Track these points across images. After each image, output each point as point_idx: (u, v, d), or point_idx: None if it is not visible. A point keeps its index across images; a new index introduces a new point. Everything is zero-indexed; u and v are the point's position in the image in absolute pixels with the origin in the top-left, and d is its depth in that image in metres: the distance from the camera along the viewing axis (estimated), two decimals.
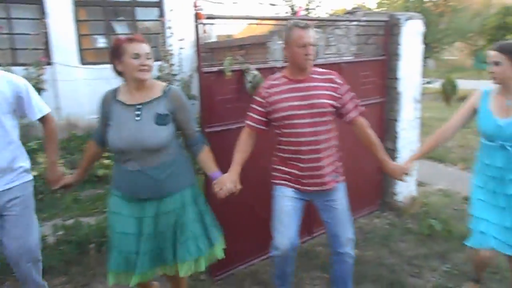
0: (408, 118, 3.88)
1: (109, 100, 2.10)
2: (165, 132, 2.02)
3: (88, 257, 3.15)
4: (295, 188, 2.33)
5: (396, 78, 3.75)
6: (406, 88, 3.79)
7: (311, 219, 3.36)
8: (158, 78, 6.44)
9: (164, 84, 2.15)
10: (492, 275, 2.89)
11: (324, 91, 2.25)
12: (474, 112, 2.37)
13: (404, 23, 3.64)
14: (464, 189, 3.83)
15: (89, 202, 4.17)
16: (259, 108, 2.32)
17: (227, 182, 2.15)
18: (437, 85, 11.58)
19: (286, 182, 2.34)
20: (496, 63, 2.16)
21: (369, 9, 12.39)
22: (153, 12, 7.13)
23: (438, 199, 4.31)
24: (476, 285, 2.70)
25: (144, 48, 2.01)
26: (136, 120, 2.00)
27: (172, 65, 5.85)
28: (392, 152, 3.87)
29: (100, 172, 4.69)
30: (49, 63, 6.24)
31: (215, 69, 2.74)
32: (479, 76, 19.72)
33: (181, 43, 6.09)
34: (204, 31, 2.66)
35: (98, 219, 3.55)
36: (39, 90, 6.16)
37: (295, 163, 2.29)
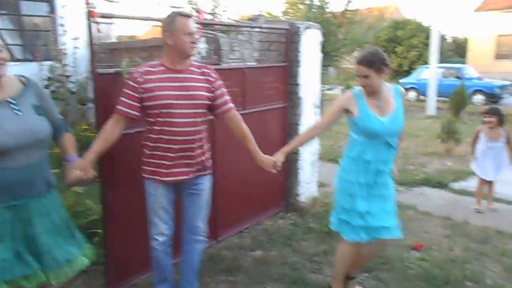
0: (309, 122, 4.08)
1: None
2: (47, 122, 1.95)
3: None
4: (165, 181, 2.34)
5: (297, 84, 3.93)
6: (306, 94, 3.99)
7: (217, 224, 3.36)
8: (50, 79, 5.94)
9: (17, 75, 1.98)
10: (381, 265, 3.16)
11: (202, 83, 2.33)
12: (344, 113, 2.51)
13: (303, 32, 3.84)
14: None
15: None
16: (132, 93, 2.26)
17: (78, 168, 2.11)
18: (337, 91, 12.46)
19: (156, 177, 2.34)
20: (365, 76, 2.36)
21: (274, 16, 12.88)
22: (42, 7, 6.53)
23: None
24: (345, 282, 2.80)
25: None
26: (17, 115, 1.82)
27: (65, 65, 5.43)
28: (294, 155, 4.05)
29: None
30: None
31: (111, 70, 2.59)
32: None
33: (75, 42, 5.69)
34: (98, 30, 2.51)
35: None
36: None
37: (166, 153, 2.30)
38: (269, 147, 3.79)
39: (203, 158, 2.42)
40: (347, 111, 2.47)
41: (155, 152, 2.32)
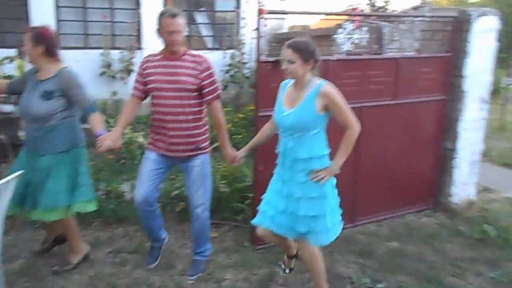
0: (472, 119, 3.76)
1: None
2: (50, 106, 2.55)
3: None
4: (161, 154, 2.68)
5: (461, 76, 3.65)
6: (472, 87, 3.67)
7: (355, 208, 3.48)
8: (230, 65, 6.88)
9: (63, 66, 2.61)
10: None
11: (190, 70, 2.56)
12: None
13: (475, 20, 3.52)
14: None
15: None
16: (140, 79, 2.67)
17: (108, 139, 2.50)
18: None
19: (154, 147, 2.71)
20: (290, 61, 2.22)
21: (440, 4, 11.51)
22: (230, 3, 7.60)
23: (502, 207, 4.11)
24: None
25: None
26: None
27: (243, 53, 6.20)
28: (450, 152, 3.79)
29: None
30: (139, 48, 6.98)
31: (271, 59, 2.97)
32: None
33: (254, 33, 6.41)
34: (265, 25, 2.92)
35: (165, 184, 4.00)
36: (129, 71, 6.96)
37: (162, 131, 2.64)
38: (421, 140, 3.71)
39: (197, 139, 2.67)
40: None
41: (155, 130, 2.74)
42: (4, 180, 2.16)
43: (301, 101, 2.26)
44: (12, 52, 5.43)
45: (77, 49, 6.90)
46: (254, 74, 3.01)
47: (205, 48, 7.53)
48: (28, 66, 3.08)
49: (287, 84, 2.43)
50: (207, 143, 2.77)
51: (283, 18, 5.01)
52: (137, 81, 2.71)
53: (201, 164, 2.72)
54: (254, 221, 2.53)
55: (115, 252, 3.11)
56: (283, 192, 2.37)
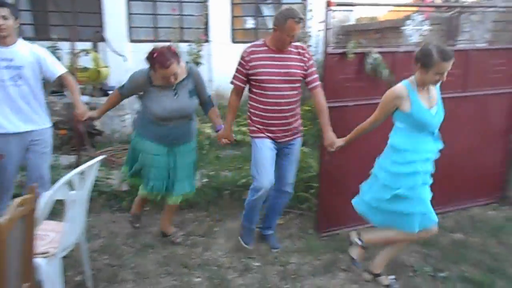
0: None
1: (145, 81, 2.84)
2: (196, 101, 2.93)
3: (223, 200, 3.92)
4: (272, 139, 2.87)
5: None
6: None
7: None
8: None
9: (187, 65, 2.88)
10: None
11: (297, 62, 2.79)
12: (395, 107, 2.44)
13: None
14: None
15: (227, 160, 4.99)
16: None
17: (225, 135, 2.97)
18: None
19: (266, 135, 2.88)
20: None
21: None
22: None
23: None
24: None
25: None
26: (174, 98, 2.82)
27: (309, 46, 6.29)
28: None
29: (238, 137, 5.46)
30: (207, 41, 7.29)
31: (339, 51, 3.11)
32: None
33: (320, 25, 6.47)
34: (334, 17, 3.04)
35: (233, 173, 4.31)
36: (197, 63, 7.32)
37: (277, 119, 2.85)
38: (490, 133, 3.66)
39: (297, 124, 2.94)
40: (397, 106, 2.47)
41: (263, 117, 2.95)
42: (88, 164, 2.36)
43: (436, 99, 2.50)
44: (87, 45, 5.79)
45: (147, 42, 7.18)
46: (322, 66, 3.15)
47: None
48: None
49: (411, 88, 2.45)
50: (301, 127, 3.05)
51: (351, 10, 5.03)
52: (240, 71, 2.86)
53: (299, 146, 3.05)
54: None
55: (187, 235, 3.34)
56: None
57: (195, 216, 3.71)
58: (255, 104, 2.86)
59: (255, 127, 2.90)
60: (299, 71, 2.80)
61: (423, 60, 2.34)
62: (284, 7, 2.73)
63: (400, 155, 2.45)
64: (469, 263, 2.99)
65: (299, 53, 2.82)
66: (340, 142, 2.80)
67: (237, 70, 2.87)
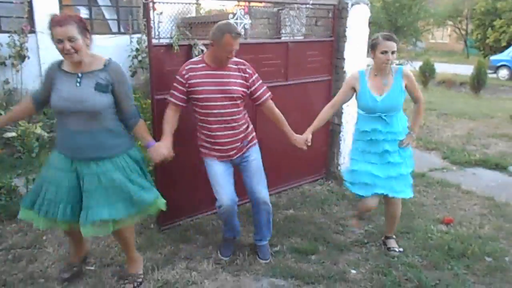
0: None
1: (55, 69, 2.34)
2: (105, 99, 2.27)
3: None
4: (222, 159, 2.77)
5: (343, 58, 4.09)
6: (351, 68, 4.13)
7: None
8: (137, 50, 6.76)
9: (107, 59, 2.34)
10: (404, 234, 3.32)
11: (238, 79, 2.68)
12: (354, 91, 2.87)
13: (351, 7, 3.96)
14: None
15: None
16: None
17: (162, 149, 2.49)
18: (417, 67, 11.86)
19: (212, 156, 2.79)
20: (393, 52, 2.67)
21: None
22: None
23: None
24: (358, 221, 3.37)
25: (65, 31, 2.13)
26: (76, 86, 2.26)
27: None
28: (337, 126, 4.26)
29: None
30: (32, 31, 6.47)
31: (164, 43, 3.07)
32: (465, 61, 19.93)
33: (159, 17, 6.35)
34: (154, 9, 2.99)
35: None
36: (23, 57, 6.44)
37: (215, 138, 2.74)
38: (312, 117, 4.07)
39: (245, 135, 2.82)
40: (355, 90, 2.88)
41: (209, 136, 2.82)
42: None
43: (390, 87, 2.72)
44: None
45: None
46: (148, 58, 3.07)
47: (110, 32, 7.25)
48: None
49: (364, 74, 2.79)
50: (253, 134, 2.89)
51: (190, 3, 5.05)
52: (177, 89, 2.67)
53: (257, 154, 2.91)
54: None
55: (8, 249, 3.00)
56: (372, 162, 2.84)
57: (18, 227, 3.30)
58: (200, 123, 2.76)
59: (203, 146, 2.81)
60: (239, 88, 2.67)
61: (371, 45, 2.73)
62: (221, 22, 2.64)
63: (355, 132, 2.95)
64: (298, 234, 3.33)
65: (239, 70, 2.69)
66: (309, 135, 2.90)
67: (174, 88, 2.69)
